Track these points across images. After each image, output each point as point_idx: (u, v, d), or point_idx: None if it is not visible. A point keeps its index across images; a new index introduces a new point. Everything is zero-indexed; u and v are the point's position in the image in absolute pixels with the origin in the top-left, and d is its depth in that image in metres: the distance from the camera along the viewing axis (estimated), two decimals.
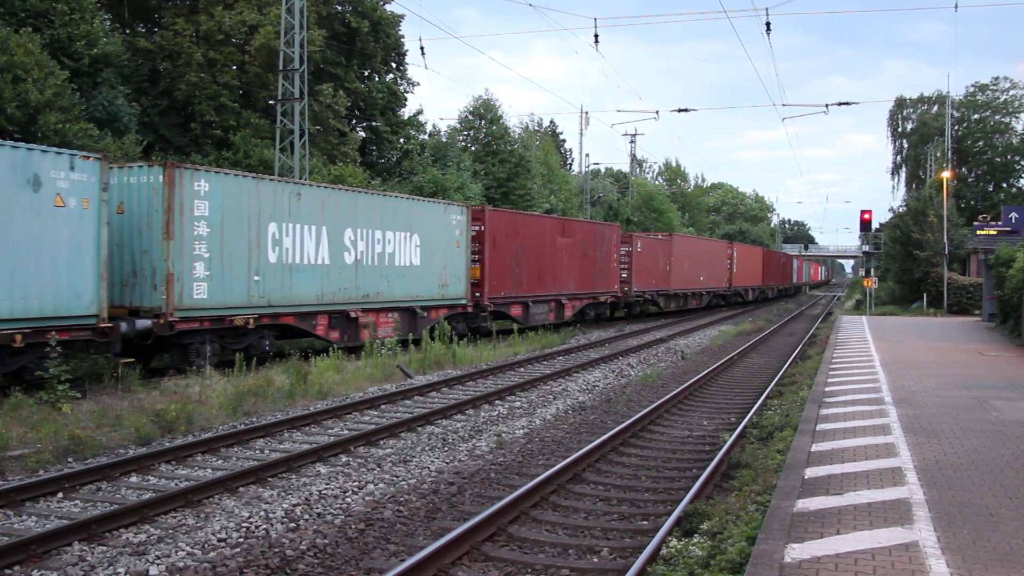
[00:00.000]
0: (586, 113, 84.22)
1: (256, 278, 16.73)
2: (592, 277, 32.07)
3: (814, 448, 8.61)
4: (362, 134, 39.74)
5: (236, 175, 16.75)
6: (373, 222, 20.09)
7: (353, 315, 19.36)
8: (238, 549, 7.03)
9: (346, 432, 11.93)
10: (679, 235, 45.07)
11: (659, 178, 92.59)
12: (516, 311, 26.90)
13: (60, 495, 8.56)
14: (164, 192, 14.96)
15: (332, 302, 18.81)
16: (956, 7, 41.86)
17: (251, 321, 16.60)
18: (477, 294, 24.49)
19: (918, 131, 69.87)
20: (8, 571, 6.53)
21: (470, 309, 24.12)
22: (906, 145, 71.90)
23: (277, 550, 6.99)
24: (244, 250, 16.49)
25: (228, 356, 16.59)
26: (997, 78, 67.71)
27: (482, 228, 24.83)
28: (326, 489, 8.83)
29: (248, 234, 16.58)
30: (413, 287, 21.50)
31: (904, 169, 72.18)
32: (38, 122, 20.39)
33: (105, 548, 7.05)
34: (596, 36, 40.46)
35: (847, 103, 33.91)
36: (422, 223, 21.85)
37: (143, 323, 14.81)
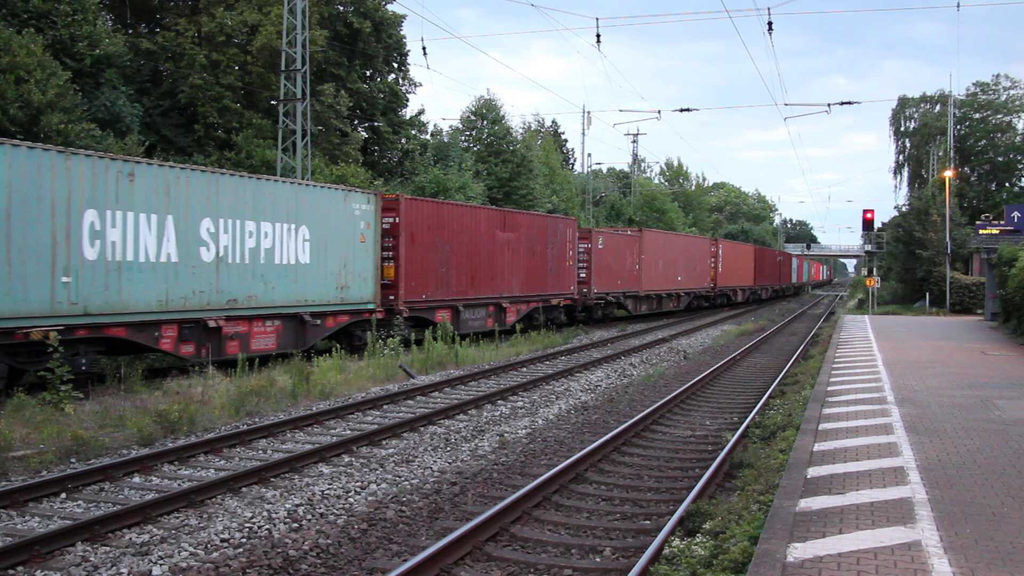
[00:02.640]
0: (588, 113, 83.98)
1: (65, 279, 13.26)
2: (542, 277, 28.35)
3: (816, 447, 8.61)
4: (364, 134, 39.77)
5: (30, 147, 13.02)
6: (242, 211, 16.54)
7: (214, 324, 15.82)
8: (241, 549, 7.04)
9: (349, 432, 11.94)
10: (650, 231, 40.86)
11: (660, 177, 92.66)
12: (443, 317, 23.10)
13: (63, 495, 8.57)
14: None
15: (183, 309, 15.24)
16: (958, 6, 41.78)
17: (51, 334, 12.79)
18: (391, 297, 20.98)
19: (920, 130, 69.73)
20: (12, 571, 6.54)
21: (380, 315, 20.42)
22: (908, 144, 71.77)
23: (280, 550, 7.00)
24: (46, 244, 13.02)
25: (31, 379, 13.25)
26: (998, 77, 67.40)
27: (397, 220, 21.08)
28: (329, 489, 8.84)
29: (52, 224, 13.08)
30: (300, 290, 17.97)
31: (906, 168, 72.06)
32: (40, 123, 20.45)
33: (108, 548, 7.06)
34: (598, 36, 40.11)
35: (849, 102, 33.88)
36: (313, 213, 18.35)
37: None
